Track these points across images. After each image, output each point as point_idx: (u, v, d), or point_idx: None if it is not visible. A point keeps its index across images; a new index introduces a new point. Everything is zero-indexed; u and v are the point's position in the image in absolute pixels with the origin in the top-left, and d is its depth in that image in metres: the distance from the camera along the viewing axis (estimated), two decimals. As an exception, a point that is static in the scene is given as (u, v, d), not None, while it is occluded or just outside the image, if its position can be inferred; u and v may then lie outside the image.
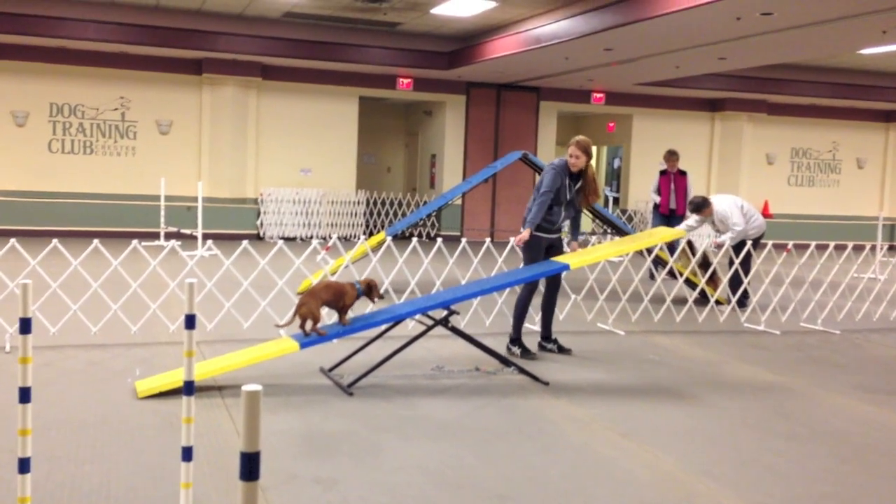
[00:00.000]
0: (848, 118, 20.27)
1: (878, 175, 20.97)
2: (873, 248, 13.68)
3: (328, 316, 6.49)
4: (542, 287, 7.17)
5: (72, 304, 6.90)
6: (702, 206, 9.46)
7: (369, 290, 6.04)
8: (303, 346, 5.69)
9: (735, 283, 9.15)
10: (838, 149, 20.58)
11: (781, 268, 9.33)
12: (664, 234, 7.41)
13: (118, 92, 15.54)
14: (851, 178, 20.76)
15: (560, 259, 6.52)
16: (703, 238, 18.26)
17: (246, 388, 1.65)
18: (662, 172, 11.98)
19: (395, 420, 5.05)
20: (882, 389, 6.29)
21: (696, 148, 19.46)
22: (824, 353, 7.60)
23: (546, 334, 7.13)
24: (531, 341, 7.11)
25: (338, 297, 5.90)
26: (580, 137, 6.70)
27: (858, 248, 10.81)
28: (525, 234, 6.66)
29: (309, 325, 5.78)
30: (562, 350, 7.06)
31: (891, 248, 18.20)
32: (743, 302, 9.25)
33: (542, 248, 6.81)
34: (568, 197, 6.73)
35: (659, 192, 11.92)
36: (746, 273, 9.17)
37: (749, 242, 9.32)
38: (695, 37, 11.41)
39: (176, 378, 5.29)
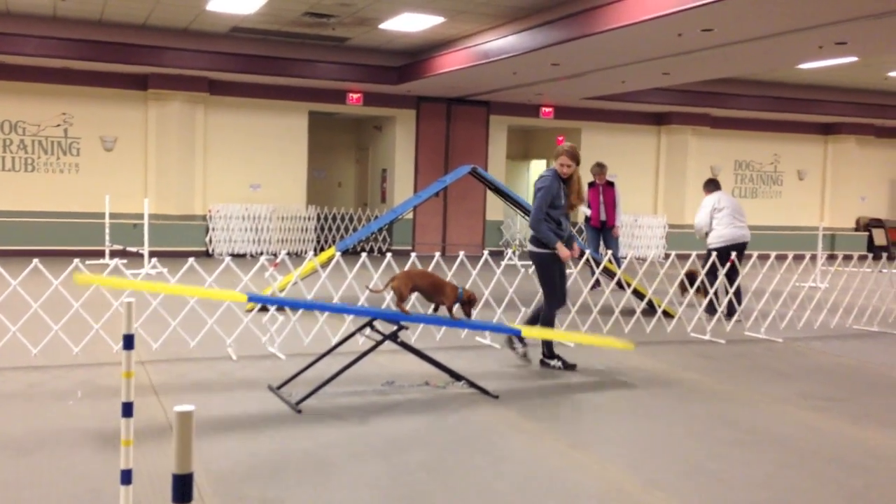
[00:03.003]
0: (788, 131, 20.83)
1: (818, 186, 21.56)
2: (814, 257, 14.03)
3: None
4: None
5: (11, 325, 6.72)
6: (706, 185, 10.36)
7: (468, 301, 6.33)
8: (250, 298, 5.61)
9: (734, 295, 9.35)
10: (779, 161, 21.12)
11: (726, 278, 9.50)
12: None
13: (60, 108, 15.23)
14: (792, 190, 21.31)
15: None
16: (654, 248, 18.53)
17: (178, 408, 1.62)
18: (591, 185, 12.08)
19: (345, 437, 5.01)
20: (823, 396, 6.44)
21: (643, 161, 19.79)
22: (768, 361, 7.76)
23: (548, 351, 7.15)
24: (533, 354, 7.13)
25: (434, 289, 6.18)
26: (568, 146, 6.85)
27: (799, 258, 11.08)
28: (564, 249, 6.75)
29: (406, 302, 6.07)
30: (567, 366, 7.05)
31: (830, 257, 18.69)
32: (713, 310, 9.39)
33: (556, 263, 6.87)
34: (564, 202, 6.85)
35: (589, 205, 12.04)
36: (712, 283, 9.30)
37: (714, 255, 9.47)
38: (639, 52, 11.63)
39: (114, 282, 5.20)
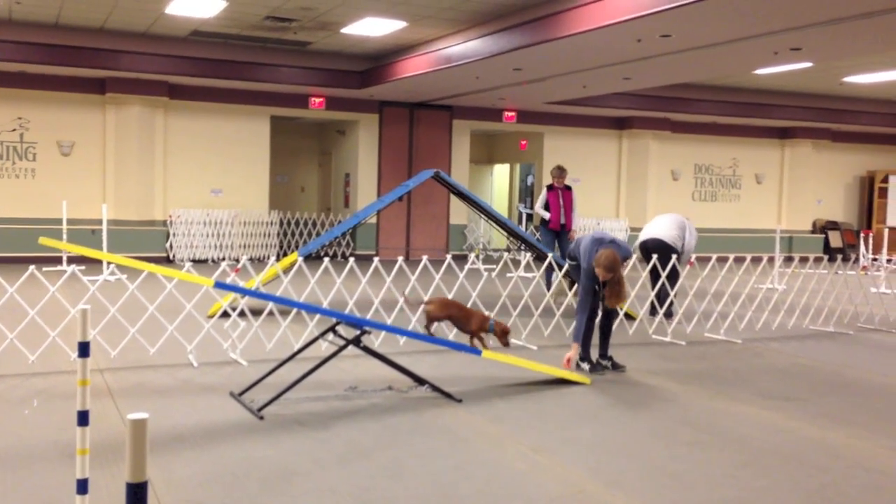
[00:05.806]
0: (746, 135, 21.18)
1: (776, 189, 21.95)
2: (771, 259, 14.28)
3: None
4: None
5: (-36, 334, 6.58)
6: None
7: (502, 333, 6.95)
8: (217, 285, 5.68)
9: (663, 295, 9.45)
10: (738, 165, 21.46)
11: (686, 280, 9.63)
12: None
13: (16, 112, 14.94)
14: (751, 193, 21.66)
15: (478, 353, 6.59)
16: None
17: (131, 416, 1.60)
18: (549, 188, 12.17)
19: (307, 443, 4.98)
20: (780, 395, 6.56)
21: (604, 165, 19.98)
22: (727, 361, 7.88)
23: (603, 353, 7.33)
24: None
25: (464, 319, 6.83)
26: (603, 259, 6.71)
27: (757, 260, 11.26)
28: (573, 351, 6.90)
29: (434, 325, 6.72)
30: (616, 367, 7.24)
31: (788, 259, 19.03)
32: (669, 313, 9.53)
33: (588, 279, 6.98)
34: (598, 296, 7.06)
35: (548, 207, 12.11)
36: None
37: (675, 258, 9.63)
38: (599, 57, 11.74)
39: (80, 249, 5.11)
